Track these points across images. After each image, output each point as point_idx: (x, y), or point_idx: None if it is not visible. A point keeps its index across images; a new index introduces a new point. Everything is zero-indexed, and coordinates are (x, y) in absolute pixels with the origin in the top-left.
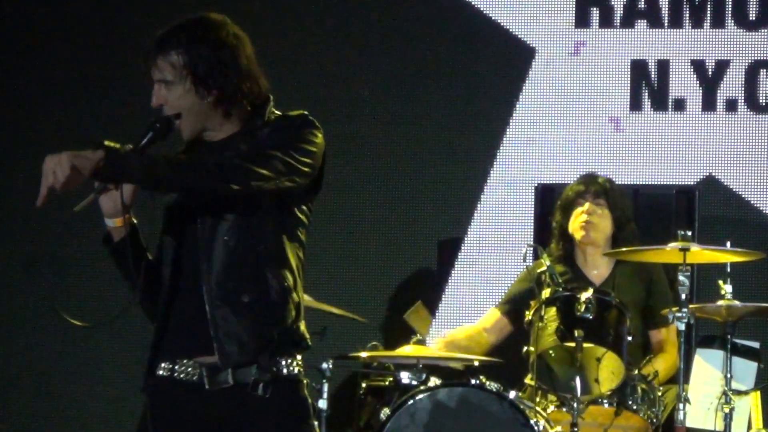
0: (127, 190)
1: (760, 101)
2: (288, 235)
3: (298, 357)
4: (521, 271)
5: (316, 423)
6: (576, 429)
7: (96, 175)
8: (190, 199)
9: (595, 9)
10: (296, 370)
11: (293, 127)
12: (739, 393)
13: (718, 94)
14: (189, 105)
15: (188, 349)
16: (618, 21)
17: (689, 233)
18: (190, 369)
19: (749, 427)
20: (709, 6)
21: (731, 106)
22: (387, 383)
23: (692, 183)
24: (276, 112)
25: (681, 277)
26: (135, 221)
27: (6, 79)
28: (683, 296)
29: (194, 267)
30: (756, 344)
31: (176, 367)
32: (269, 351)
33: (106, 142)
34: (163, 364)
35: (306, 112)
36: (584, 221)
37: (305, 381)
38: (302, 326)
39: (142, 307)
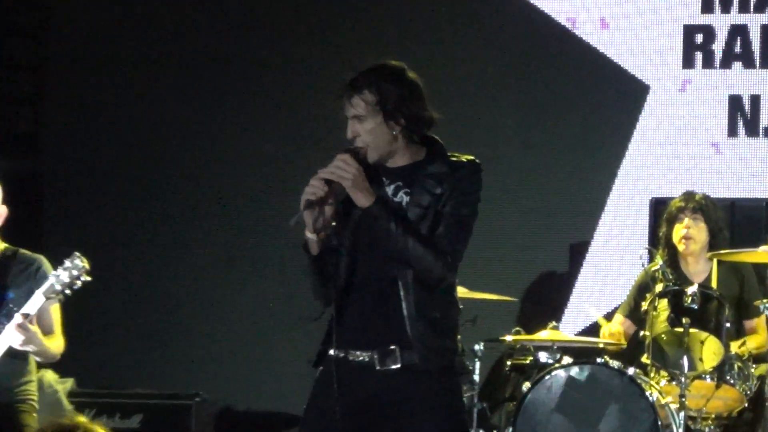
0: (328, 211)
1: None
2: None
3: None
4: (638, 274)
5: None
6: (683, 399)
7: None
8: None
9: (698, 53)
10: (452, 358)
11: (473, 201)
12: None
13: None
14: (379, 136)
15: (365, 340)
16: (718, 63)
17: None
18: (363, 352)
19: None
20: None
21: None
22: (528, 361)
23: None
24: (452, 155)
25: None
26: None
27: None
28: None
29: (384, 277)
30: None
31: (350, 350)
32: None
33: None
34: (336, 350)
35: (479, 165)
36: (684, 235)
37: (456, 369)
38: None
39: (318, 298)
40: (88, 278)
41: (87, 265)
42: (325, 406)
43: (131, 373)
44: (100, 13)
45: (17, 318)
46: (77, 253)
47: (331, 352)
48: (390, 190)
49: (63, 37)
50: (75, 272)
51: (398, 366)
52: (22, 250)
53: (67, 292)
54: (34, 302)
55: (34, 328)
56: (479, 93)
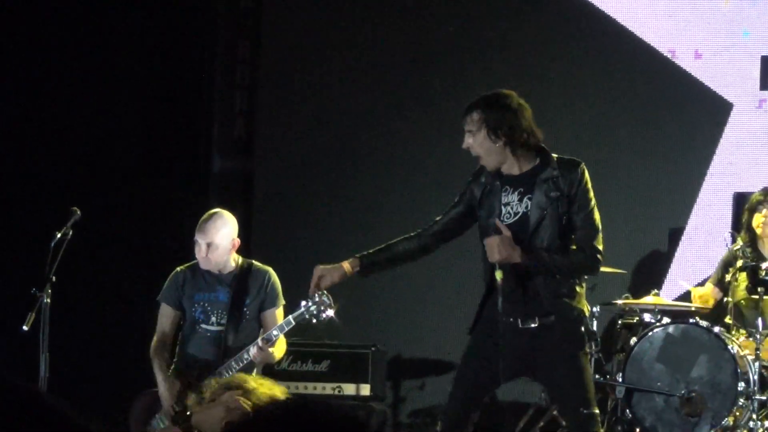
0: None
1: None
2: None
3: (584, 308)
4: (724, 252)
5: (588, 348)
6: (758, 352)
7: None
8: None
9: None
10: (578, 314)
11: (590, 197)
12: None
13: None
14: (486, 148)
15: (512, 310)
16: None
17: None
18: (510, 315)
19: None
20: None
21: None
22: (635, 320)
23: None
24: (556, 158)
25: None
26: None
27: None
28: None
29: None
30: None
31: (501, 314)
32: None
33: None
34: (488, 314)
35: (582, 165)
36: (762, 222)
37: (584, 322)
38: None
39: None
40: (332, 313)
41: (332, 302)
42: (481, 351)
43: (323, 328)
44: (299, 42)
45: (259, 341)
46: (326, 292)
47: (485, 314)
48: (515, 197)
49: (270, 61)
50: (322, 307)
51: (537, 325)
52: (255, 263)
53: (314, 321)
54: (282, 328)
55: (272, 349)
56: (600, 110)
